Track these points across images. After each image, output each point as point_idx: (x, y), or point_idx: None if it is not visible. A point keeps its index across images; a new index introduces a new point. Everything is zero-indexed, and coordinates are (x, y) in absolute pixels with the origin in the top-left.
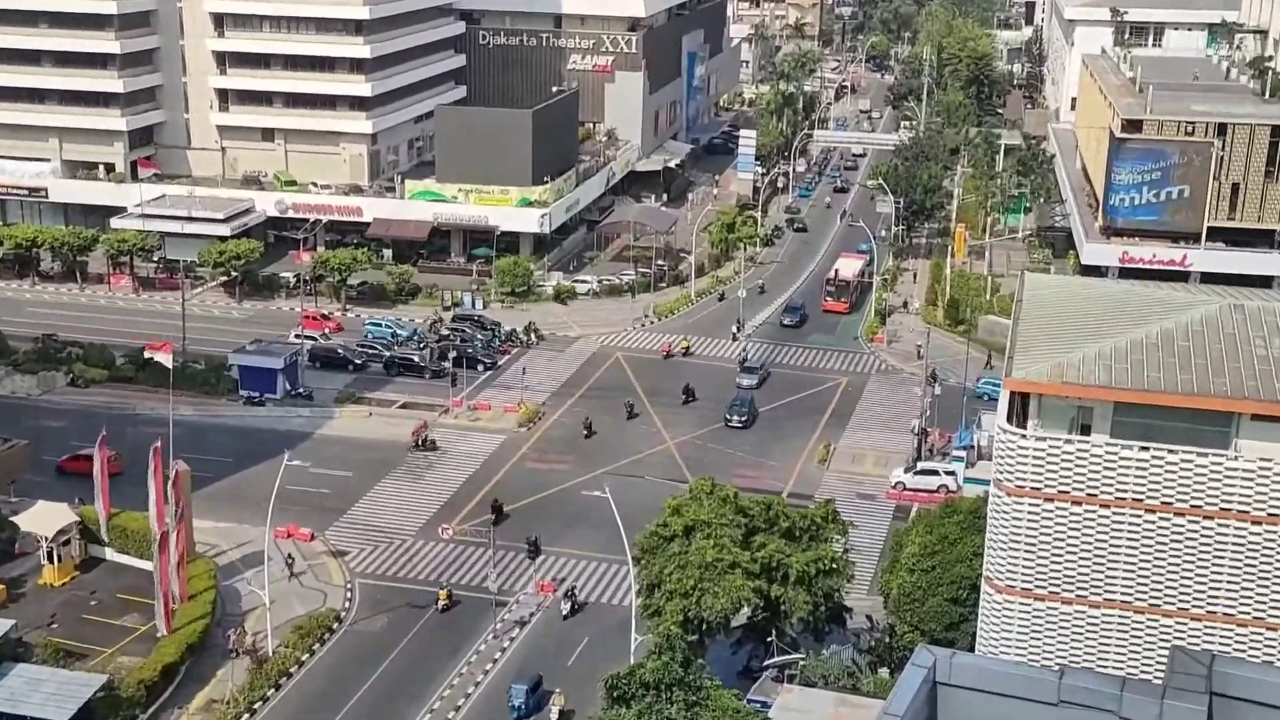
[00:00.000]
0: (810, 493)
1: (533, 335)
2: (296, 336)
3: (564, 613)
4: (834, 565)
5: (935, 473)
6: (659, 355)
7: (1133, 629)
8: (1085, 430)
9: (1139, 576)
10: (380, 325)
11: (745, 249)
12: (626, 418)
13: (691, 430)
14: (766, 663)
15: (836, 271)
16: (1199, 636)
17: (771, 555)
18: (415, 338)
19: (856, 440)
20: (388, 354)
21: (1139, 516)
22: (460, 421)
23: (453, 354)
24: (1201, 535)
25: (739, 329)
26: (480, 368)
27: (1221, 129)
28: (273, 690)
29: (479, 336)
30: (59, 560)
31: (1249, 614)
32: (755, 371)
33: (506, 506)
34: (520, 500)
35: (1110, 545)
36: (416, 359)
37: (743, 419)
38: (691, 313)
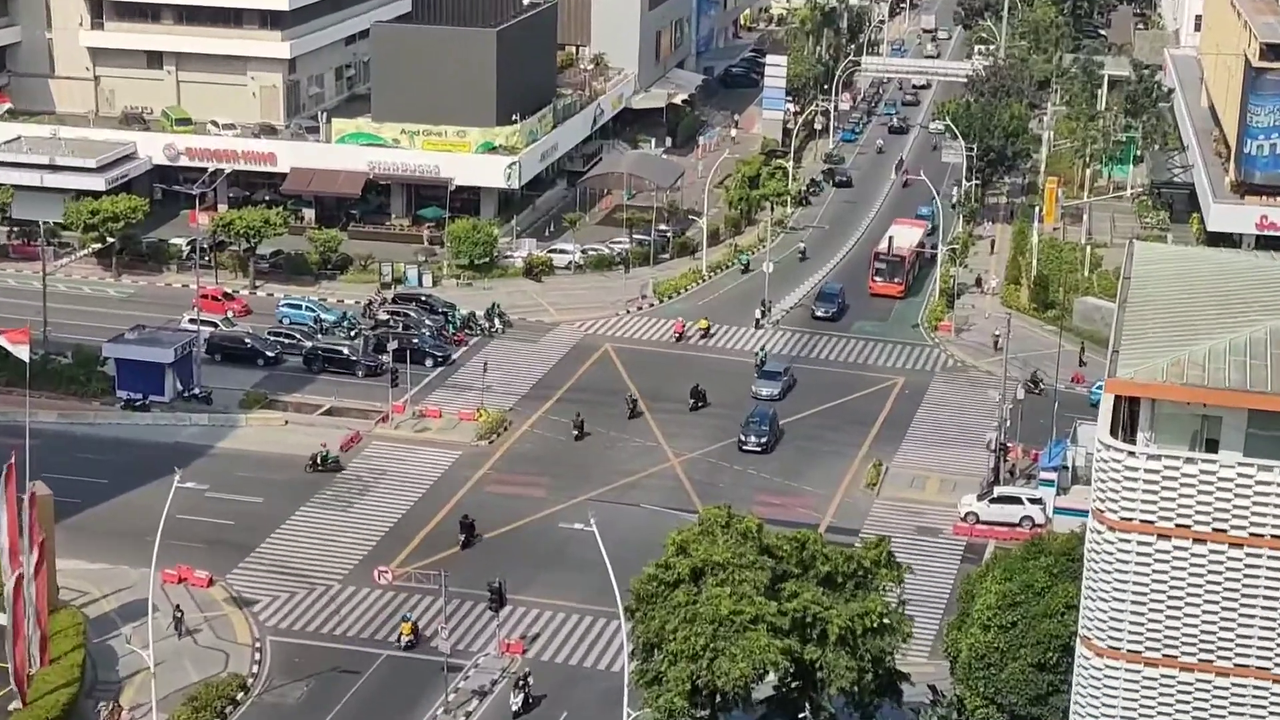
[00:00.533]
0: (856, 526)
1: (497, 321)
2: (191, 322)
3: (514, 709)
4: (886, 621)
5: (1017, 501)
6: (660, 345)
7: (1270, 703)
8: (1211, 446)
9: None
10: (300, 308)
11: (772, 210)
12: (628, 416)
13: (702, 444)
14: None
15: (890, 242)
16: None
17: (805, 607)
18: (345, 324)
19: (915, 458)
20: (309, 345)
21: None
22: (403, 433)
23: (393, 345)
24: None
25: (765, 313)
26: (429, 363)
27: None
28: None
29: (427, 322)
30: None
31: None
32: (777, 377)
33: (477, 526)
34: (481, 534)
35: (1243, 596)
36: (346, 351)
37: (761, 441)
38: (702, 292)
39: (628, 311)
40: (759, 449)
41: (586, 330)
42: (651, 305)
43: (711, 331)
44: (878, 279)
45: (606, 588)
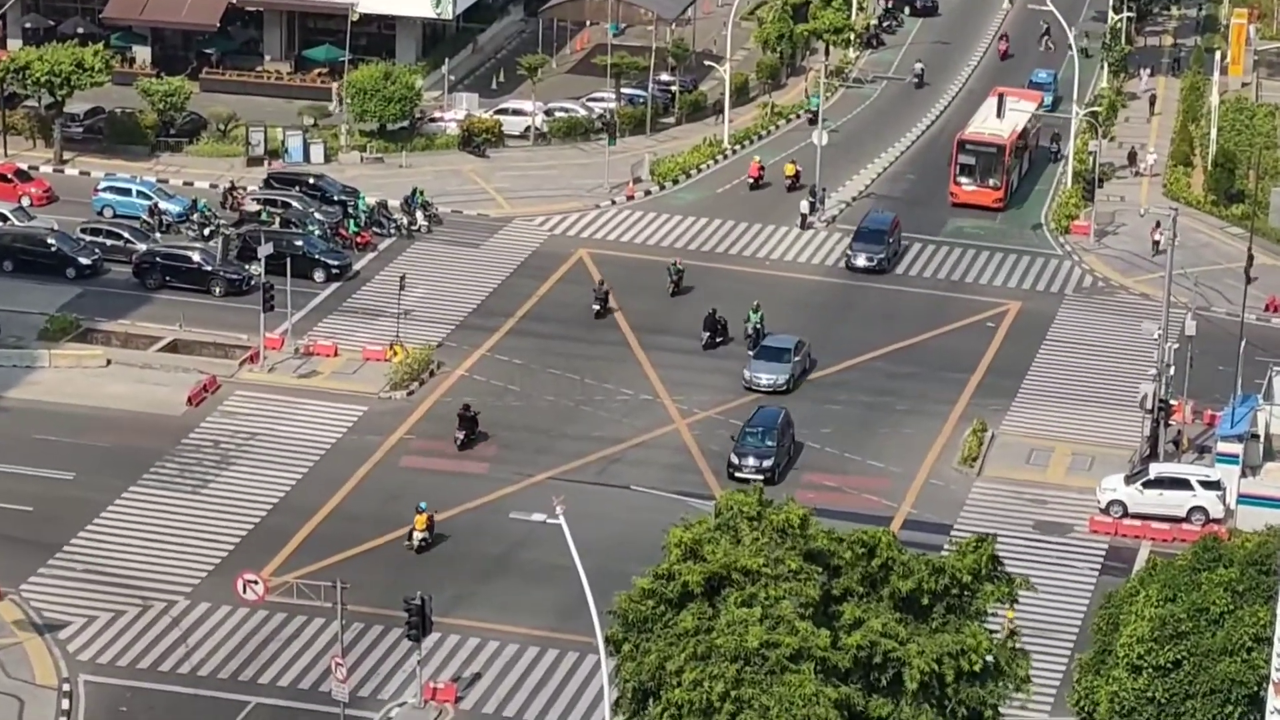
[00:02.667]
0: (947, 521)
1: (419, 216)
2: None
3: None
4: (990, 660)
5: (1184, 485)
6: (662, 252)
7: None
8: None
9: None
10: (129, 193)
11: (828, 53)
12: (595, 315)
13: (721, 397)
14: None
15: (983, 122)
16: None
17: (873, 641)
18: (196, 218)
19: (1035, 421)
20: (142, 248)
21: None
22: (281, 378)
23: (266, 249)
24: None
25: (815, 206)
26: (319, 275)
27: None
28: None
29: (317, 217)
30: None
31: None
32: (785, 357)
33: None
34: (392, 530)
35: None
36: (197, 258)
37: (765, 463)
38: (722, 173)
39: (613, 202)
40: (760, 476)
41: (552, 230)
42: (648, 193)
43: (800, 183)
44: (962, 180)
45: (579, 607)
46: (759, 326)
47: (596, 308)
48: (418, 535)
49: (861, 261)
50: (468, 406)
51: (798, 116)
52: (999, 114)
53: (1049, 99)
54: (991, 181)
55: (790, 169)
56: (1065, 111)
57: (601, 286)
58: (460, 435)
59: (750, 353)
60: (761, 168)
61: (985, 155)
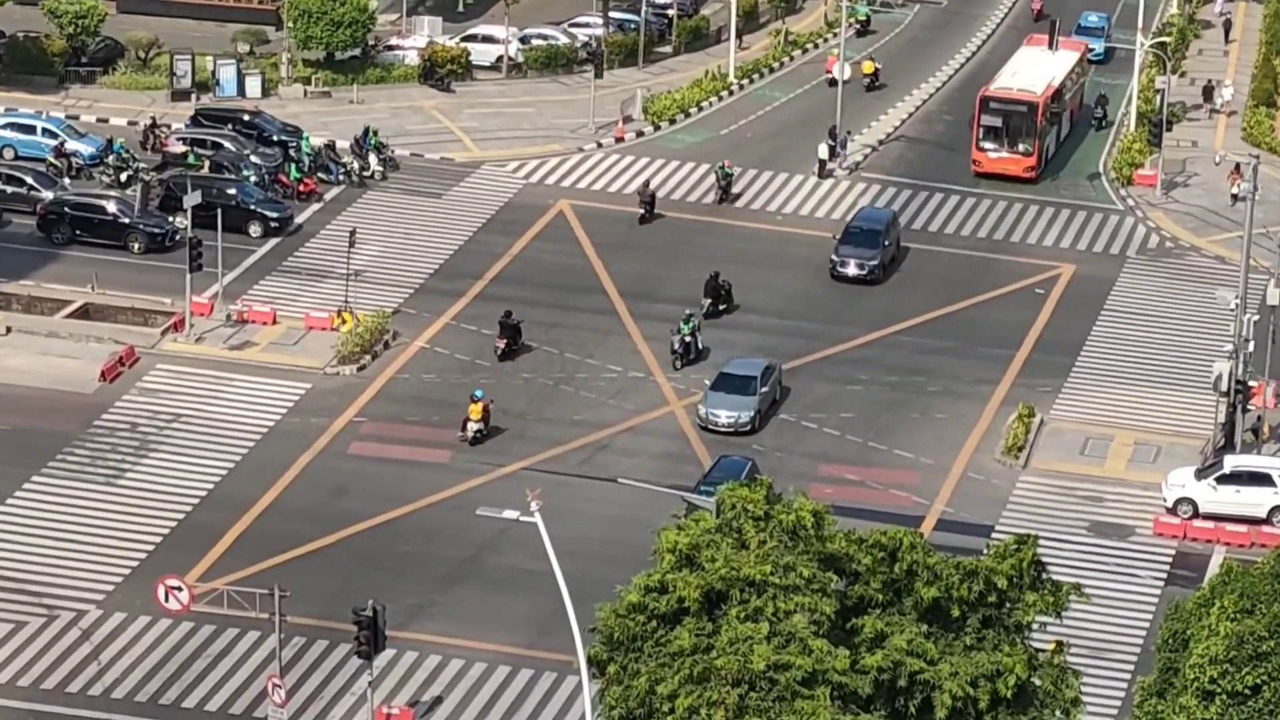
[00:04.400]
0: (987, 521)
1: (373, 160)
2: None
3: None
4: (1035, 683)
5: (1265, 480)
6: (658, 223)
7: None
8: None
9: None
10: (33, 130)
11: None
12: (640, 220)
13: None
14: None
15: (1013, 77)
16: None
17: (898, 660)
18: (112, 160)
19: (1090, 405)
20: (48, 195)
21: None
22: (210, 350)
23: (193, 198)
24: None
25: (835, 150)
26: (256, 229)
27: None
28: None
29: (253, 160)
30: None
31: None
32: (749, 387)
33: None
34: (338, 527)
35: None
36: (113, 208)
37: None
38: (725, 112)
39: (599, 145)
40: None
41: (528, 177)
42: (640, 135)
43: (878, 81)
44: (986, 145)
45: (557, 621)
46: (689, 340)
47: (642, 212)
48: (472, 426)
49: (851, 270)
50: (509, 313)
51: (768, 70)
52: (1050, 47)
53: (1099, 48)
54: (1022, 147)
55: (869, 66)
56: (1127, 42)
57: (647, 189)
58: (501, 344)
59: (708, 385)
60: (836, 65)
61: (1015, 115)
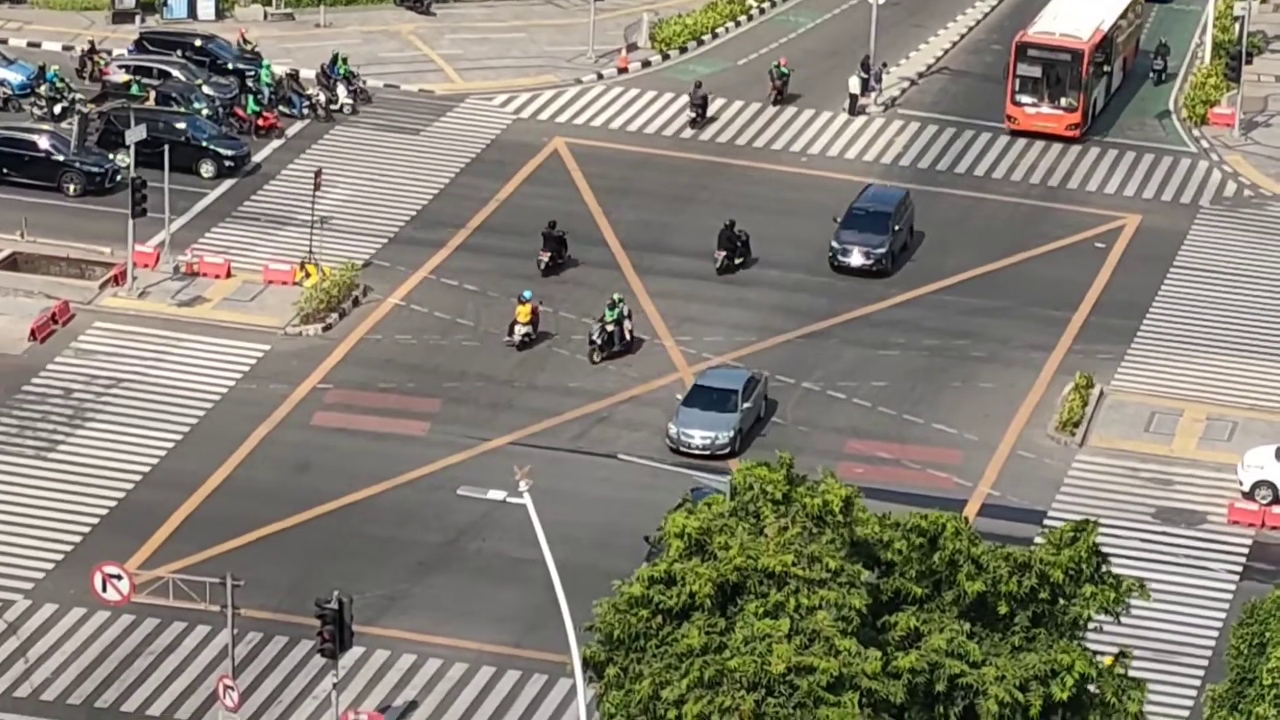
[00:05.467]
0: (1039, 506)
1: (342, 91)
2: None
3: None
4: (1091, 688)
5: None
6: (663, 143)
7: None
8: None
9: None
10: None
11: None
12: (690, 123)
13: (741, 337)
14: None
15: (1054, 20)
16: None
17: (936, 662)
18: (45, 90)
19: (1156, 376)
20: None
21: None
22: (155, 305)
23: (137, 133)
24: None
25: (868, 84)
26: (209, 169)
27: None
28: None
29: (206, 91)
30: None
31: None
32: (727, 402)
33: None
34: (300, 509)
35: None
36: (46, 144)
37: None
38: (743, 39)
39: (599, 76)
40: None
41: (518, 112)
42: (647, 65)
43: None
44: (1023, 99)
45: (548, 615)
46: (612, 330)
47: (693, 115)
48: (520, 329)
49: (855, 259)
50: (554, 224)
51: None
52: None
53: None
54: (1064, 101)
55: None
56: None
57: (698, 90)
58: (545, 257)
59: (680, 401)
60: None
61: (1056, 65)
